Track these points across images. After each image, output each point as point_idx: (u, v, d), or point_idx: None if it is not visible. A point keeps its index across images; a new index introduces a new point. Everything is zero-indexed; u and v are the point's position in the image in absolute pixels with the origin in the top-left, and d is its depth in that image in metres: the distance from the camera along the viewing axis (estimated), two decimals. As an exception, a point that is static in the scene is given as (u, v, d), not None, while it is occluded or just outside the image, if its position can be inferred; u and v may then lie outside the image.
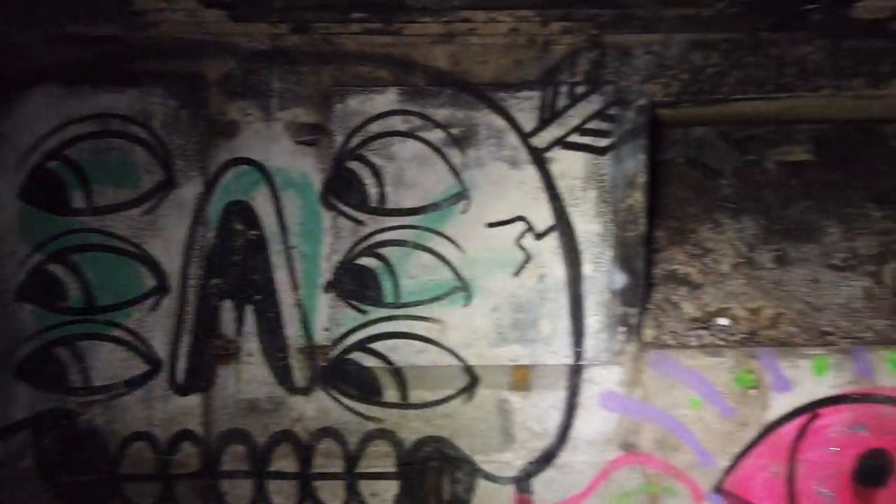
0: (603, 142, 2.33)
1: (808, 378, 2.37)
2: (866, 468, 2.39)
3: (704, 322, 2.55)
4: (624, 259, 2.37)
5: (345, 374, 2.36)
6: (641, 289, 2.42)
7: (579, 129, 2.32)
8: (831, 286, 2.65)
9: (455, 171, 2.33)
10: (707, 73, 2.31)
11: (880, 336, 2.44)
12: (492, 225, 2.34)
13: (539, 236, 2.35)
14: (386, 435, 2.37)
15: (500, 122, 2.33)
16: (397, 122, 2.32)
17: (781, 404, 2.37)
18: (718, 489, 2.40)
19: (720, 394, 2.38)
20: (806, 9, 1.99)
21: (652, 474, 2.40)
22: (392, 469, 2.39)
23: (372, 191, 2.33)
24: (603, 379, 2.39)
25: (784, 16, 2.07)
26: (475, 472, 2.40)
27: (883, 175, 3.00)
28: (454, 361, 2.35)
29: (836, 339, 2.42)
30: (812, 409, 2.37)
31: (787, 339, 2.44)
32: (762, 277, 2.68)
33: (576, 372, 2.39)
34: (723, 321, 2.54)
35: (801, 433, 2.38)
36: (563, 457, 2.40)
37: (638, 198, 2.36)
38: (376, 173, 2.32)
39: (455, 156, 2.33)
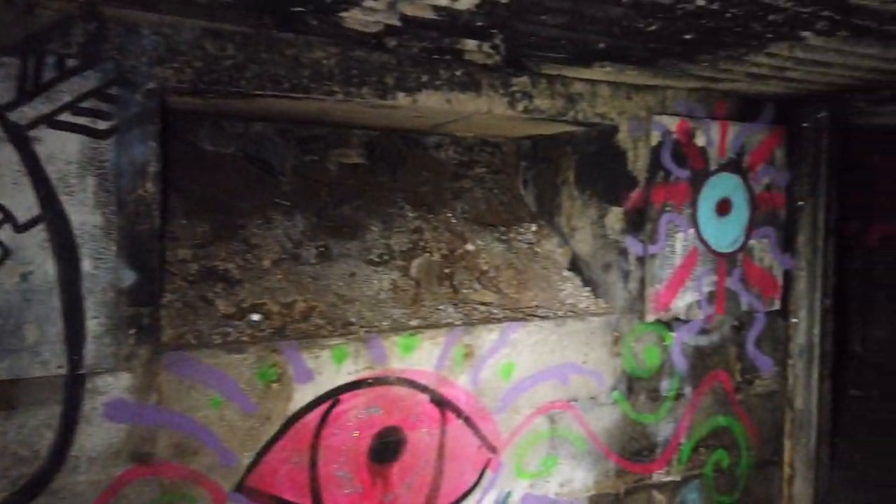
0: (103, 124, 2.10)
1: (329, 367, 2.49)
2: (381, 446, 2.61)
3: (238, 319, 2.50)
4: (133, 254, 2.18)
5: None
6: (156, 286, 2.26)
7: (72, 108, 2.06)
8: (365, 280, 2.86)
9: None
10: (224, 64, 2.25)
11: (396, 324, 2.69)
12: (-48, 213, 1.93)
13: (21, 228, 2.01)
14: None
15: (-39, 89, 1.93)
16: None
17: (304, 395, 2.46)
18: (240, 487, 2.37)
19: (243, 391, 2.35)
20: (294, 10, 2.05)
21: (168, 483, 2.26)
22: None
23: None
24: (109, 387, 2.16)
25: (280, 14, 2.11)
26: (-70, 517, 1.96)
27: (423, 181, 3.38)
28: None
29: (356, 329, 2.59)
30: (333, 395, 2.51)
31: (315, 331, 2.54)
32: (303, 273, 2.76)
33: (74, 382, 2.11)
34: (255, 317, 2.53)
35: (323, 420, 2.50)
36: (60, 480, 2.10)
37: (150, 189, 2.19)
38: None
39: None
